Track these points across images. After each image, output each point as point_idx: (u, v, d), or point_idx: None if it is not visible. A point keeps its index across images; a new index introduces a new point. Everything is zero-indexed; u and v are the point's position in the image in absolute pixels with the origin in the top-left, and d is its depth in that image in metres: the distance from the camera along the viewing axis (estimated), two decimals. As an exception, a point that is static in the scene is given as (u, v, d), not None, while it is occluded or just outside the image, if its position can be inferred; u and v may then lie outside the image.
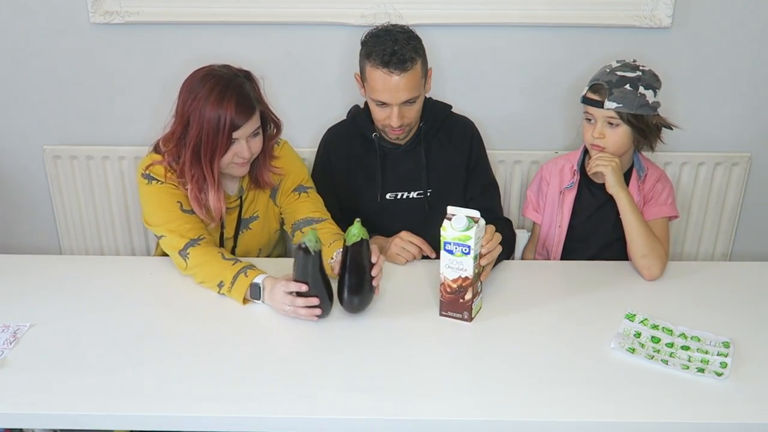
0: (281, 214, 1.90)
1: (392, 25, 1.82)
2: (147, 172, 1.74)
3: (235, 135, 1.63)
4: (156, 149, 1.76)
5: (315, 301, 1.52)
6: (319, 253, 1.51)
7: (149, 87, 2.32)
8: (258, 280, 1.61)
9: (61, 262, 2.03)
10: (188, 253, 1.68)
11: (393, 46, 1.74)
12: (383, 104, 1.80)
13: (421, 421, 1.31)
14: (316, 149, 2.07)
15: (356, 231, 1.52)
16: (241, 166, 1.71)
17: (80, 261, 2.07)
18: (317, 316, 1.54)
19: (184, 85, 1.68)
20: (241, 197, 1.83)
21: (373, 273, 1.55)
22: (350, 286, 1.54)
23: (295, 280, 1.53)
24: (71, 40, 2.25)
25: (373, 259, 1.55)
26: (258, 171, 1.79)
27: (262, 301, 1.61)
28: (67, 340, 1.50)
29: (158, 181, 1.73)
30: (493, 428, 1.33)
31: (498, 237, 1.61)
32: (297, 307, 1.53)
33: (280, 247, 2.06)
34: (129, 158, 2.38)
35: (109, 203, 2.46)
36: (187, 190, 1.71)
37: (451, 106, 1.99)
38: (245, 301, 1.62)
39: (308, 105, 2.30)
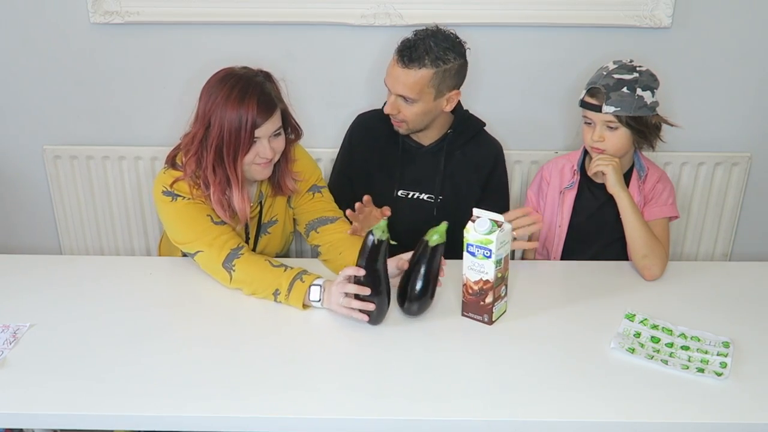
0: (294, 215, 1.89)
1: (439, 29, 1.82)
2: (170, 189, 1.68)
3: (257, 133, 1.61)
4: (173, 165, 1.71)
5: (367, 290, 1.49)
6: (384, 243, 1.48)
7: (149, 87, 2.32)
8: (317, 283, 1.59)
9: (61, 262, 2.03)
10: (234, 266, 1.64)
11: (416, 43, 1.76)
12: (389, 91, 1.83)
13: (419, 422, 1.31)
14: (314, 149, 2.07)
15: (440, 233, 1.51)
16: (263, 168, 1.68)
17: (80, 261, 2.07)
18: (369, 321, 1.51)
19: (204, 89, 1.65)
20: (261, 202, 1.82)
21: (441, 276, 1.56)
22: (420, 290, 1.53)
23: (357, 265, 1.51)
24: (71, 40, 2.25)
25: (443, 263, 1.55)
26: (280, 177, 1.77)
27: (321, 305, 1.58)
28: (67, 340, 1.50)
29: (183, 197, 1.68)
30: (491, 428, 1.33)
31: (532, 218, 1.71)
32: (349, 297, 1.50)
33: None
34: (129, 158, 2.38)
35: (109, 203, 2.46)
36: (210, 198, 1.66)
37: (484, 124, 2.00)
38: (305, 306, 1.59)
39: (308, 105, 2.30)
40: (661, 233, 1.84)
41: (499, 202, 2.01)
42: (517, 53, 2.25)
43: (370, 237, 1.48)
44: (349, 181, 2.00)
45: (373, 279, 1.50)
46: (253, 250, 1.86)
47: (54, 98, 2.34)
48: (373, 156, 1.98)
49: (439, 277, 1.56)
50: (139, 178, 2.41)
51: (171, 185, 1.68)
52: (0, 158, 2.44)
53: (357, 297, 1.51)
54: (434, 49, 1.76)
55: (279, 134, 1.67)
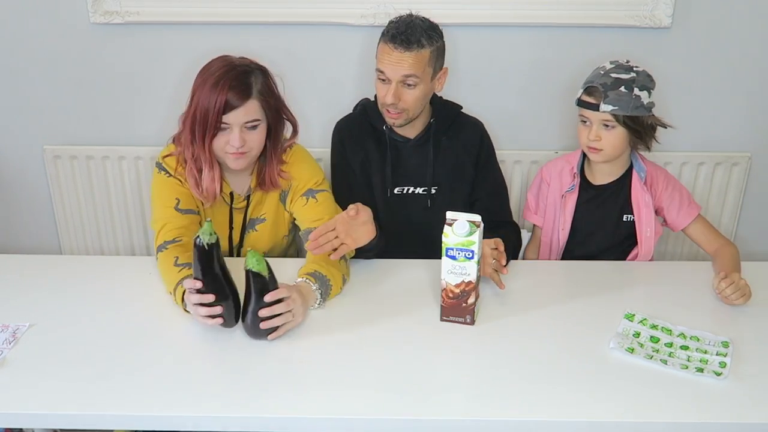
0: (295, 220, 1.88)
1: (416, 15, 1.84)
2: (161, 161, 1.77)
3: (225, 119, 1.63)
4: (175, 140, 1.77)
5: (210, 297, 1.44)
6: (212, 247, 1.42)
7: (149, 87, 2.32)
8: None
9: (61, 262, 2.03)
10: (157, 258, 1.69)
11: (406, 27, 1.77)
12: (384, 79, 1.81)
13: (420, 421, 1.32)
14: (314, 149, 2.06)
15: (256, 258, 1.43)
16: (235, 158, 1.68)
17: (80, 261, 2.07)
18: (224, 325, 1.47)
19: (200, 70, 1.70)
20: (248, 196, 1.82)
21: (261, 314, 1.44)
22: (248, 312, 1.46)
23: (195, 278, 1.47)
24: (71, 40, 2.26)
25: (267, 298, 1.44)
26: (264, 171, 1.77)
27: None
28: (67, 340, 1.50)
29: (167, 172, 1.75)
30: (492, 428, 1.33)
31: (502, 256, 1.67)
32: (194, 305, 1.45)
33: (292, 248, 2.05)
34: (129, 158, 2.38)
35: (109, 203, 2.46)
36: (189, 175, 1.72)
37: (461, 107, 1.99)
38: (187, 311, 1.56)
39: (308, 105, 2.30)
40: (705, 229, 1.87)
41: (494, 176, 2.00)
42: (517, 53, 2.25)
43: (198, 242, 1.42)
44: (350, 190, 1.95)
45: (214, 285, 1.45)
46: (240, 243, 1.87)
47: (54, 98, 2.35)
48: (365, 158, 1.95)
49: (264, 311, 1.45)
50: (139, 178, 2.41)
51: (164, 157, 1.76)
52: (0, 158, 2.45)
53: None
54: (426, 29, 1.79)
55: (255, 127, 1.67)
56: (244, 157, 1.69)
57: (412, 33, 1.76)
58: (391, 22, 1.81)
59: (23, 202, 2.52)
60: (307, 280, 1.58)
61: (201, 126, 1.63)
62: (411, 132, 1.93)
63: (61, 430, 1.77)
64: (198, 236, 1.43)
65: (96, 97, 2.34)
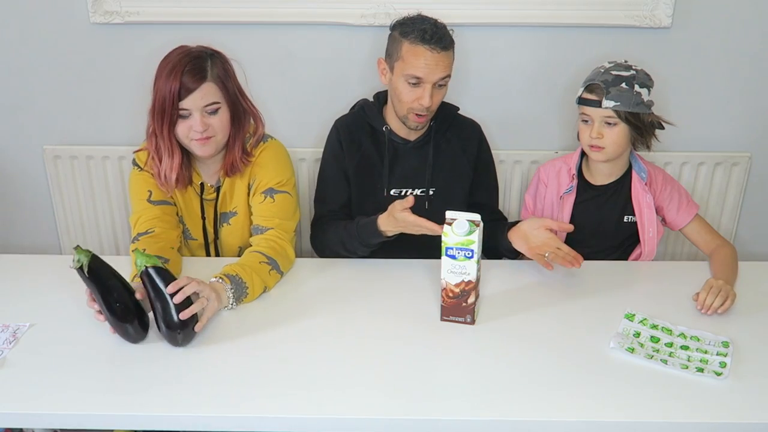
0: None
1: (426, 15, 1.85)
2: (134, 156, 1.83)
3: (183, 105, 1.65)
4: (147, 135, 1.79)
5: (96, 308, 1.48)
6: (92, 270, 1.44)
7: (149, 87, 2.31)
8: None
9: (61, 262, 2.02)
10: (130, 249, 1.73)
11: (434, 26, 1.78)
12: (416, 83, 1.79)
13: (421, 421, 1.32)
14: (315, 149, 2.06)
15: (140, 261, 1.44)
16: (201, 144, 1.70)
17: (80, 261, 2.07)
18: (130, 340, 1.49)
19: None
20: (218, 188, 1.83)
21: (176, 299, 1.43)
22: (160, 319, 1.45)
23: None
24: (71, 40, 2.26)
25: (169, 289, 1.44)
26: (228, 156, 1.77)
27: None
28: (67, 340, 1.50)
29: (138, 167, 1.81)
30: (492, 428, 1.33)
31: None
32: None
33: None
34: (129, 158, 2.36)
35: (109, 203, 2.46)
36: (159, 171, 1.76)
37: (458, 108, 2.00)
38: None
39: (308, 105, 2.30)
40: (701, 229, 1.87)
41: (491, 177, 2.03)
42: (517, 53, 2.25)
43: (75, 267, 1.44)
44: (345, 185, 1.96)
45: (103, 304, 1.46)
46: (215, 236, 1.88)
47: (54, 98, 2.35)
48: (362, 158, 1.95)
49: (179, 296, 1.44)
50: (139, 178, 2.40)
51: (136, 153, 1.82)
52: (0, 158, 2.45)
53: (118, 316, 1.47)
54: (444, 27, 1.80)
55: (216, 111, 1.69)
56: (210, 143, 1.71)
57: (443, 34, 1.78)
58: (409, 25, 1.79)
59: (23, 202, 2.52)
60: (220, 280, 1.58)
61: (160, 114, 1.66)
62: (413, 134, 1.93)
63: (61, 430, 1.77)
64: (76, 257, 1.44)
65: (96, 97, 2.34)
